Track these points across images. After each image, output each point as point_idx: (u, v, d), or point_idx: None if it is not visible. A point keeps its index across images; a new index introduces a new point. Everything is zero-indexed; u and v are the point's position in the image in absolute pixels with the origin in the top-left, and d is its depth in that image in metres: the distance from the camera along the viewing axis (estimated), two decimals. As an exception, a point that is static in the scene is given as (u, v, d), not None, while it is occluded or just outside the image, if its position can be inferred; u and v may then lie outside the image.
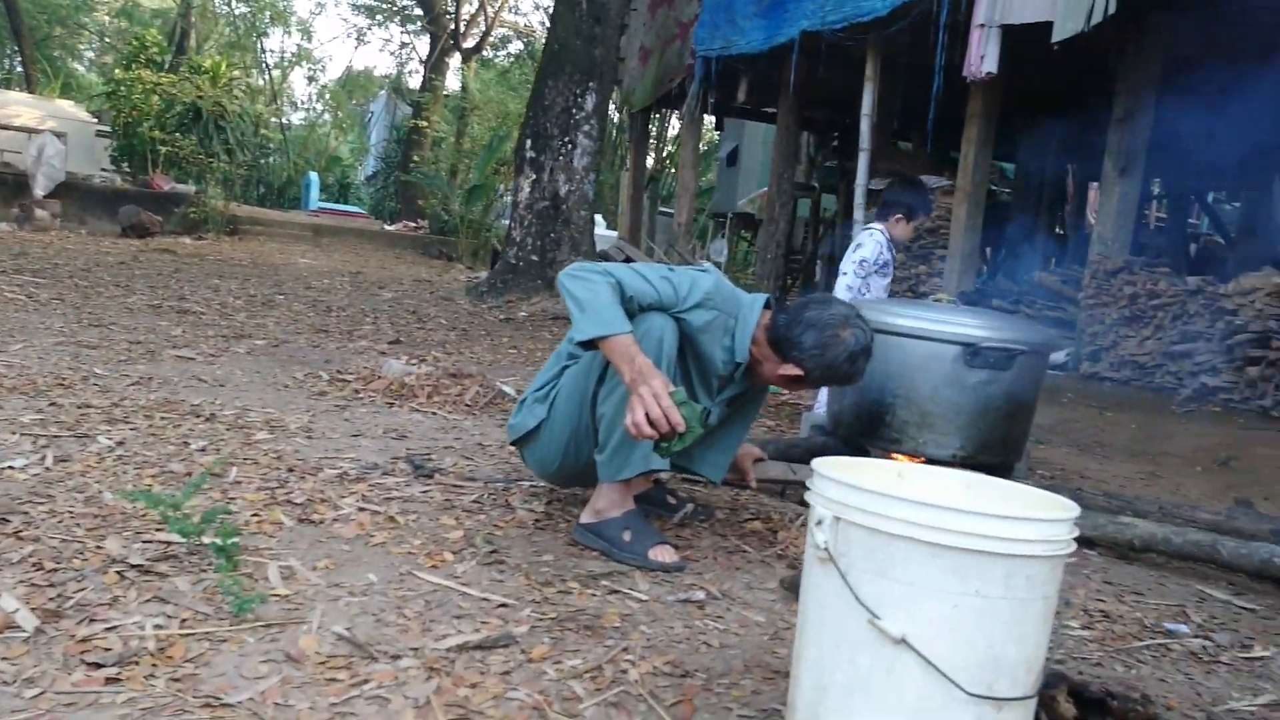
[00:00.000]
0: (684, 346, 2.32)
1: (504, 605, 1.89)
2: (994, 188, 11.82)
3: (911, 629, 1.20)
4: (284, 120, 29.08)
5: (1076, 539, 2.79)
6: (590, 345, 2.13)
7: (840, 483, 1.27)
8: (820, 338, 2.26)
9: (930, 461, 2.93)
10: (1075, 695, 1.59)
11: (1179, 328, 6.56)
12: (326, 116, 32.98)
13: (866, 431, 3.11)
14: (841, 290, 4.11)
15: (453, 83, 27.43)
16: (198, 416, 3.19)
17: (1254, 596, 2.56)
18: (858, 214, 7.41)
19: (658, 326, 2.21)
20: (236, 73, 17.39)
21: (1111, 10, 5.08)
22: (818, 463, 1.35)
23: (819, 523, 1.28)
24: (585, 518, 2.35)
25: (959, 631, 1.19)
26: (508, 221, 9.45)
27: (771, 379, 2.42)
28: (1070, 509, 1.27)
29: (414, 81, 28.25)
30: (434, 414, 3.69)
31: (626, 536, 2.26)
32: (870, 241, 4.14)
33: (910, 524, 1.19)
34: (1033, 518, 1.19)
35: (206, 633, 1.63)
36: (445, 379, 4.09)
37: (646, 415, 1.98)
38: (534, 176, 8.61)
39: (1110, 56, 7.35)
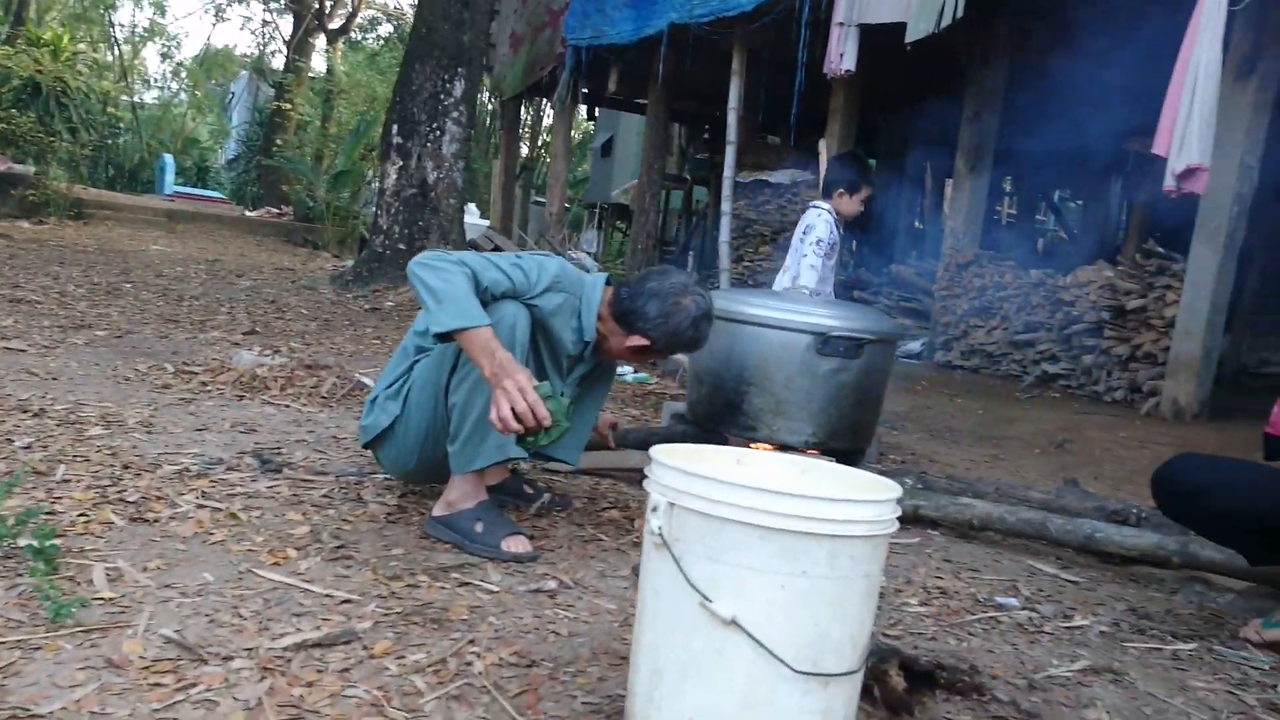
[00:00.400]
0: (536, 331, 2.33)
1: (348, 601, 1.85)
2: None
3: (742, 610, 1.23)
4: (136, 99, 27.56)
5: (920, 520, 2.91)
6: (446, 337, 2.11)
7: (675, 469, 1.29)
8: (663, 306, 2.32)
9: (784, 448, 3.01)
10: (906, 668, 1.67)
11: (1023, 318, 6.93)
12: (183, 96, 31.39)
13: (723, 419, 3.16)
14: (806, 271, 4.04)
15: (318, 64, 26.55)
16: (25, 412, 2.99)
17: (1078, 570, 2.73)
18: (725, 206, 7.53)
19: (510, 315, 2.20)
20: (82, 46, 16.38)
21: (960, 13, 5.30)
22: (655, 450, 1.37)
23: (654, 509, 1.30)
24: (438, 510, 2.32)
25: (787, 611, 1.23)
26: (375, 209, 9.21)
27: (619, 353, 2.45)
28: (891, 490, 1.33)
29: (277, 62, 27.19)
30: (287, 407, 3.57)
31: (478, 528, 2.24)
32: (820, 221, 4.08)
33: (741, 508, 1.22)
34: (854, 499, 1.24)
35: (19, 641, 1.53)
36: (300, 370, 3.96)
37: (512, 409, 1.98)
38: (401, 163, 8.41)
39: (961, 57, 7.68)
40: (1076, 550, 2.82)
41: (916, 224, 12.77)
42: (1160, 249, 6.12)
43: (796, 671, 1.24)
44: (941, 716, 1.66)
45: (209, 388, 3.71)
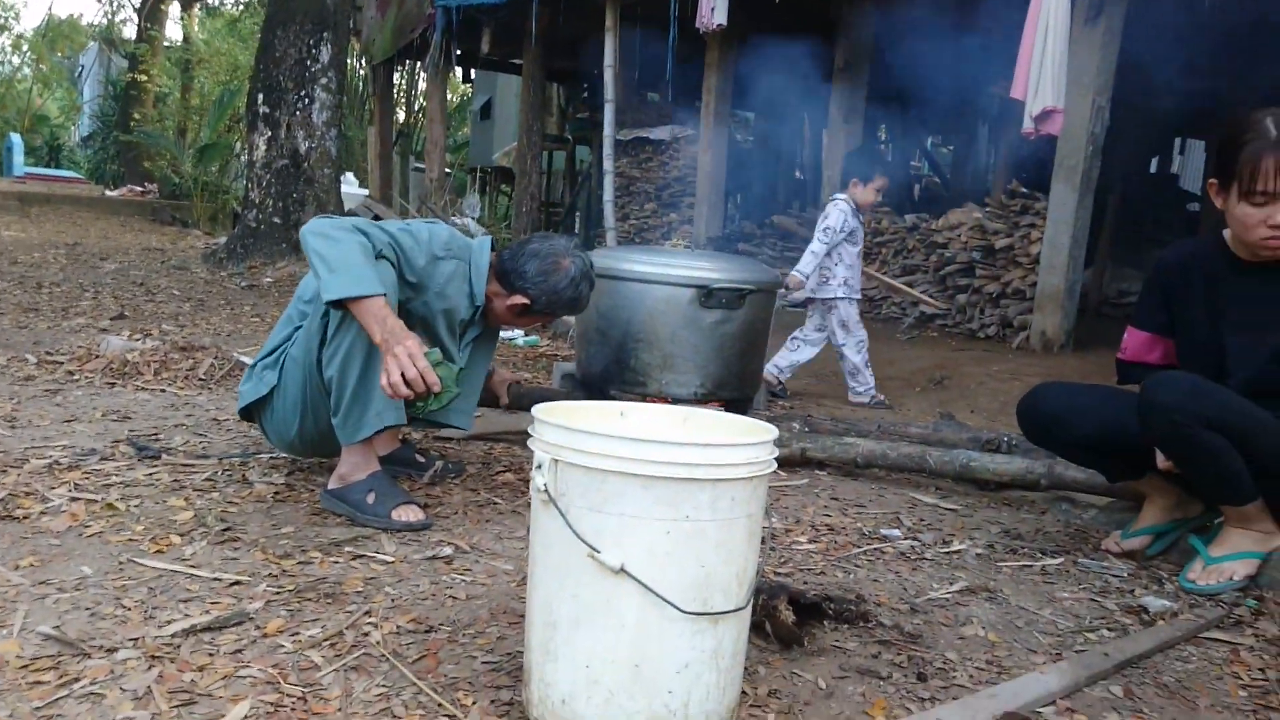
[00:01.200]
0: (433, 300, 2.32)
1: (238, 583, 1.81)
2: (738, 136, 12.33)
3: (629, 558, 1.26)
4: (-28, 75, 25.71)
5: (808, 462, 3.00)
6: (339, 304, 2.07)
7: (557, 426, 1.31)
8: (543, 265, 2.38)
9: (674, 401, 3.07)
10: (795, 603, 1.74)
11: (900, 262, 7.16)
12: (26, 71, 29.39)
13: (613, 377, 3.20)
14: (807, 256, 4.33)
15: (174, 32, 25.19)
16: None
17: (957, 498, 2.87)
18: (607, 165, 7.52)
19: (388, 281, 2.17)
20: (-94, 20, 15.12)
21: (826, -35, 5.39)
22: (537, 409, 1.38)
23: (539, 466, 1.32)
24: (331, 484, 2.30)
25: (672, 555, 1.27)
26: (245, 182, 8.87)
27: (502, 315, 2.49)
28: (768, 433, 1.37)
29: (128, 31, 25.68)
30: (163, 391, 3.44)
31: (370, 499, 2.23)
32: (834, 211, 4.34)
33: (621, 459, 1.24)
34: (732, 443, 1.28)
35: (-119, 651, 1.46)
36: (175, 353, 3.81)
37: (403, 376, 1.98)
38: (270, 134, 8.11)
39: (831, 8, 7.80)
40: (954, 480, 2.97)
41: (797, 174, 12.99)
42: (1024, 189, 6.39)
43: (685, 612, 1.28)
44: (830, 645, 1.74)
45: (76, 377, 3.54)
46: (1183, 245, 2.35)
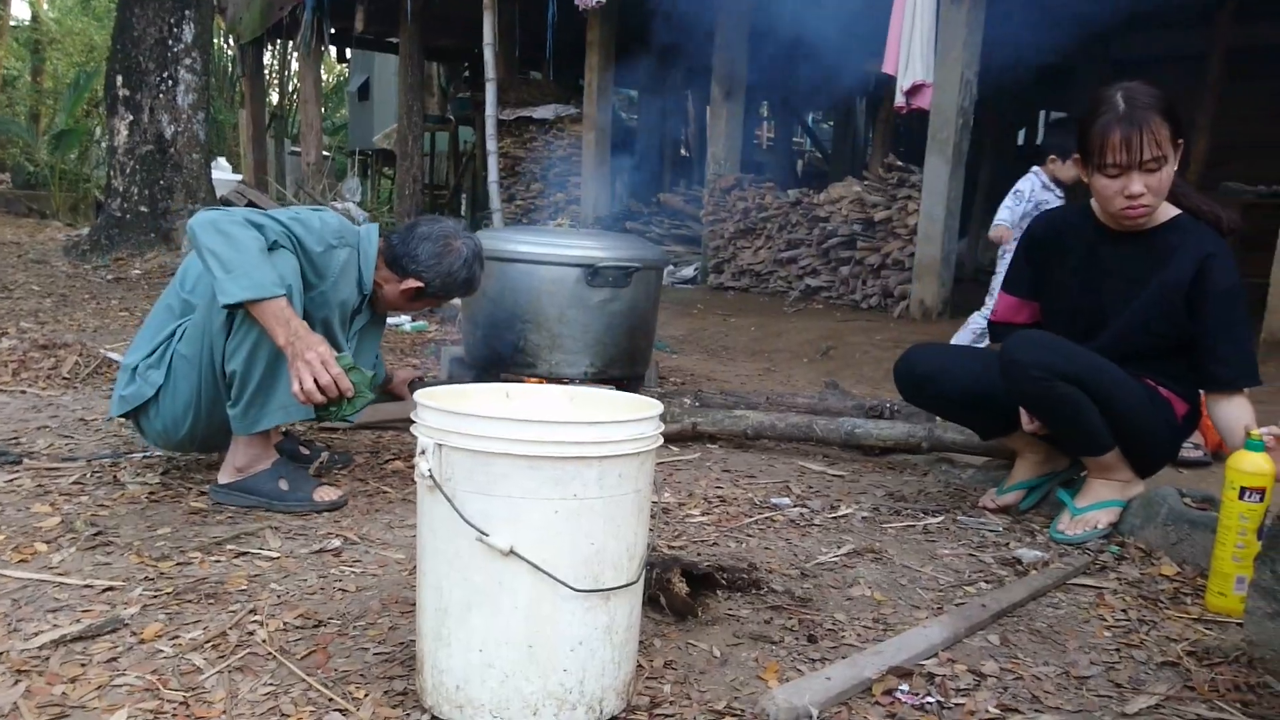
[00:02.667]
0: (329, 290, 2.24)
1: (111, 589, 1.73)
2: (622, 115, 12.32)
3: (518, 539, 1.26)
4: None
5: (699, 436, 3.03)
6: (235, 307, 1.99)
7: (440, 410, 1.29)
8: (435, 248, 2.37)
9: (564, 381, 3.06)
10: (688, 574, 1.76)
11: (785, 236, 7.29)
12: None
13: (502, 360, 3.17)
14: (1002, 211, 4.39)
15: (20, 11, 23.64)
16: None
17: (843, 464, 2.95)
18: (491, 145, 7.41)
19: (289, 274, 2.08)
20: None
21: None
22: (420, 393, 1.36)
23: (423, 451, 1.29)
24: (224, 478, 2.22)
25: (562, 534, 1.27)
26: (108, 169, 8.41)
27: (394, 301, 2.46)
28: (652, 408, 1.38)
29: (-29, 10, 23.97)
30: (23, 393, 3.25)
31: (283, 485, 2.20)
32: (1024, 182, 4.38)
33: (506, 440, 1.23)
34: (616, 420, 1.28)
35: None
36: (35, 352, 3.60)
37: (315, 382, 1.94)
38: (132, 118, 7.69)
39: (709, -15, 7.85)
40: (840, 447, 3.05)
41: (683, 152, 13.09)
42: (900, 163, 6.58)
43: (577, 590, 1.28)
44: (724, 614, 1.77)
45: (-75, 381, 3.32)
46: (1052, 213, 2.47)
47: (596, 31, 8.35)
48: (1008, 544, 2.25)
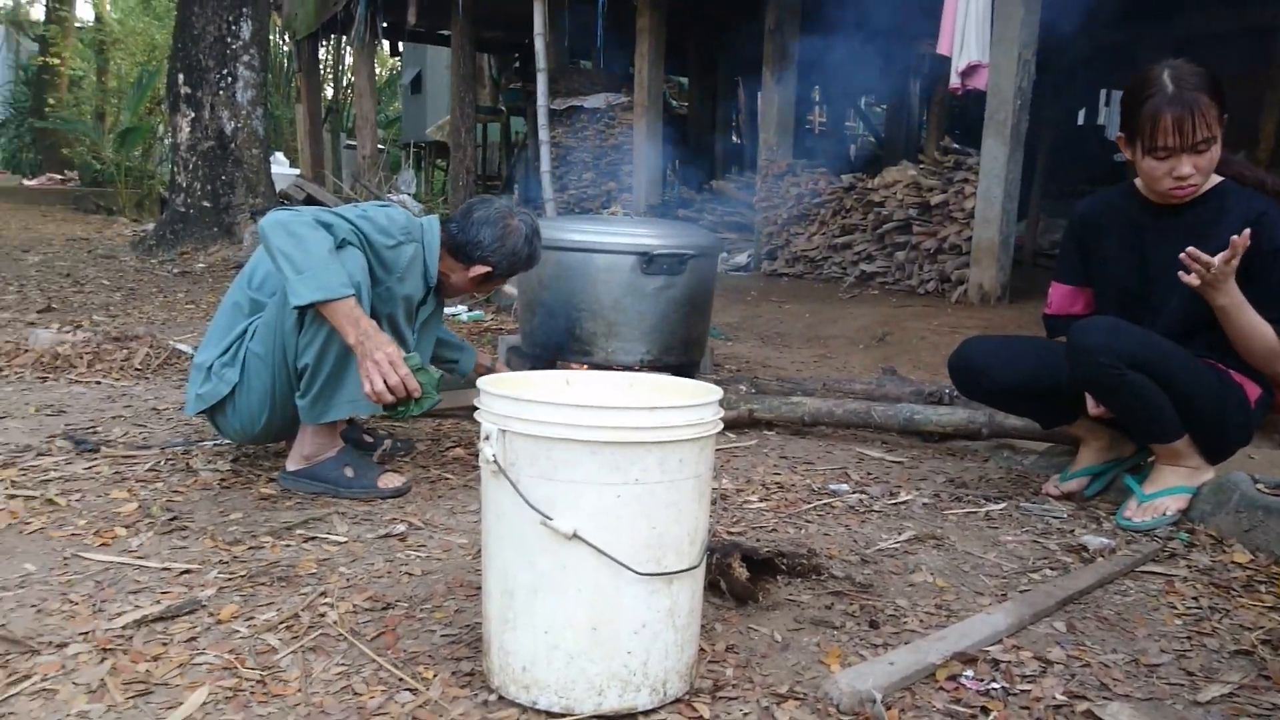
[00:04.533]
0: (395, 286, 2.28)
1: (187, 572, 1.79)
2: (673, 102, 12.29)
3: (581, 523, 1.27)
4: (-127, 64, 24.49)
5: (756, 423, 3.03)
6: (305, 307, 2.04)
7: (503, 397, 1.31)
8: (496, 231, 2.42)
9: (621, 369, 3.07)
10: (748, 560, 1.77)
11: (839, 222, 7.22)
12: (-69, 57, 28.09)
13: (558, 347, 3.19)
14: None
15: (85, 12, 24.29)
16: None
17: (902, 451, 2.93)
18: (543, 135, 7.45)
19: (357, 272, 2.12)
20: None
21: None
22: (482, 380, 1.38)
23: (487, 437, 1.32)
24: (293, 465, 2.28)
25: (624, 518, 1.28)
26: (171, 166, 8.61)
27: (462, 287, 2.51)
28: (711, 393, 1.39)
29: (36, 12, 24.67)
30: (98, 383, 3.36)
31: (349, 472, 2.26)
32: None
33: (567, 426, 1.25)
34: (676, 405, 1.29)
35: None
36: (108, 344, 3.72)
37: (385, 382, 1.99)
38: (193, 115, 7.88)
39: (760, -31, 7.79)
40: (899, 433, 3.03)
41: (735, 139, 13.02)
42: (956, 145, 6.47)
43: (639, 574, 1.29)
44: (784, 599, 1.78)
45: (5, 372, 3.44)
46: (1095, 197, 2.41)
47: (646, 19, 8.33)
48: (1073, 530, 2.22)
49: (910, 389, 3.28)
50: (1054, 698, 1.43)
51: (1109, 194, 2.38)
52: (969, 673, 1.49)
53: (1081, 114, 11.92)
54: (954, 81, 5.44)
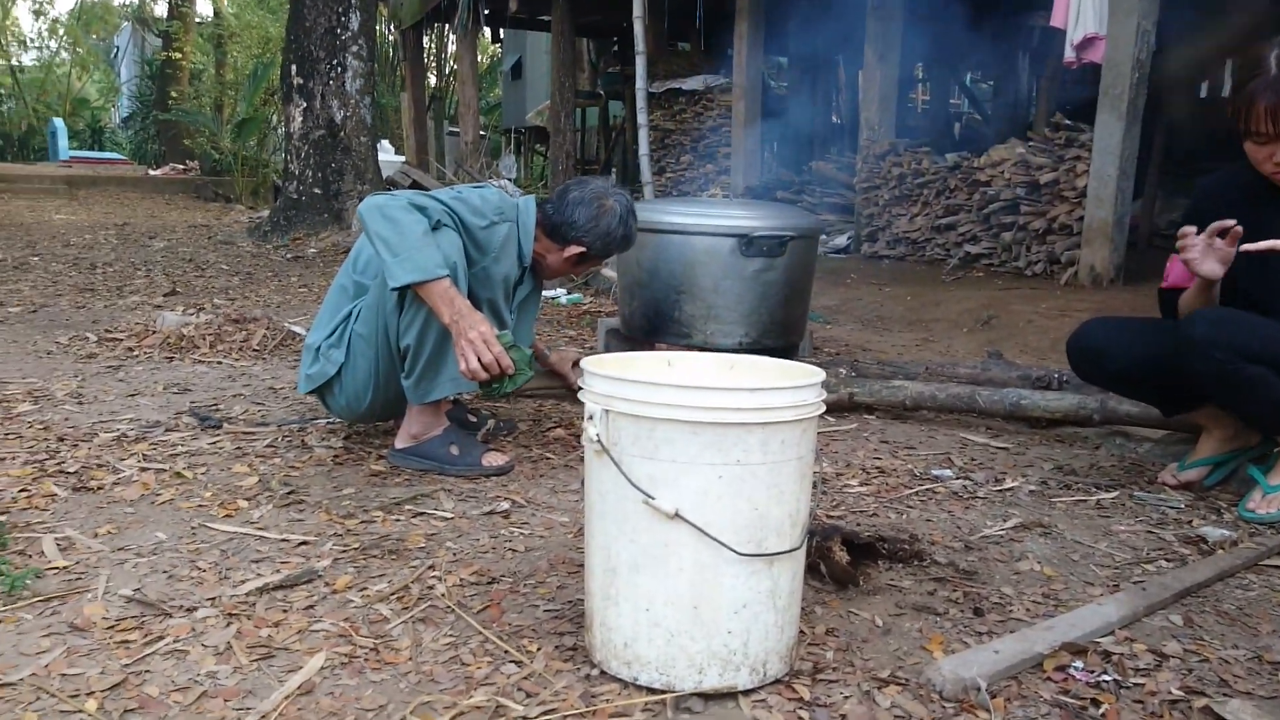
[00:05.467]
0: (491, 265, 2.33)
1: (305, 543, 1.87)
2: (771, 82, 12.15)
3: (683, 503, 1.29)
4: (14, 63, 26.06)
5: (856, 406, 3.00)
6: (403, 288, 2.11)
7: (607, 377, 1.33)
8: (590, 210, 2.42)
9: (719, 351, 3.07)
10: (849, 544, 1.76)
11: (942, 202, 7.04)
12: (64, 55, 29.72)
13: (657, 330, 3.21)
14: None
15: (204, 8, 25.32)
16: (-54, 396, 2.92)
17: (1007, 436, 2.86)
18: (641, 118, 7.45)
19: (452, 253, 2.18)
20: (-55, 11, 15.34)
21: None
22: (586, 361, 1.41)
23: (590, 417, 1.34)
24: (400, 443, 2.36)
25: (725, 498, 1.29)
26: (284, 155, 8.94)
27: (558, 268, 2.53)
28: (814, 375, 1.38)
29: (160, 9, 25.84)
30: (219, 363, 3.52)
31: (454, 451, 2.32)
32: None
33: (670, 406, 1.26)
34: (778, 387, 1.29)
35: (-23, 617, 1.53)
36: (228, 326, 3.89)
37: (479, 360, 2.04)
38: (305, 104, 8.16)
39: (863, -54, 7.62)
40: (1004, 418, 2.95)
41: (834, 119, 12.79)
42: (1068, 121, 6.23)
43: (740, 554, 1.30)
44: (885, 584, 1.76)
45: (135, 353, 3.64)
46: (1222, 172, 2.30)
47: (746, 0, 8.25)
48: (1191, 521, 2.13)
49: (1017, 373, 3.20)
50: (1170, 692, 1.39)
51: (1235, 170, 2.27)
52: (1078, 664, 1.45)
53: (1204, 87, 11.32)
54: (1068, 55, 5.23)
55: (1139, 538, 2.04)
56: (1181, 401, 2.34)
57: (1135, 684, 1.41)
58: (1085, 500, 2.27)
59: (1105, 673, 1.43)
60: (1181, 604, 1.70)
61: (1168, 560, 1.91)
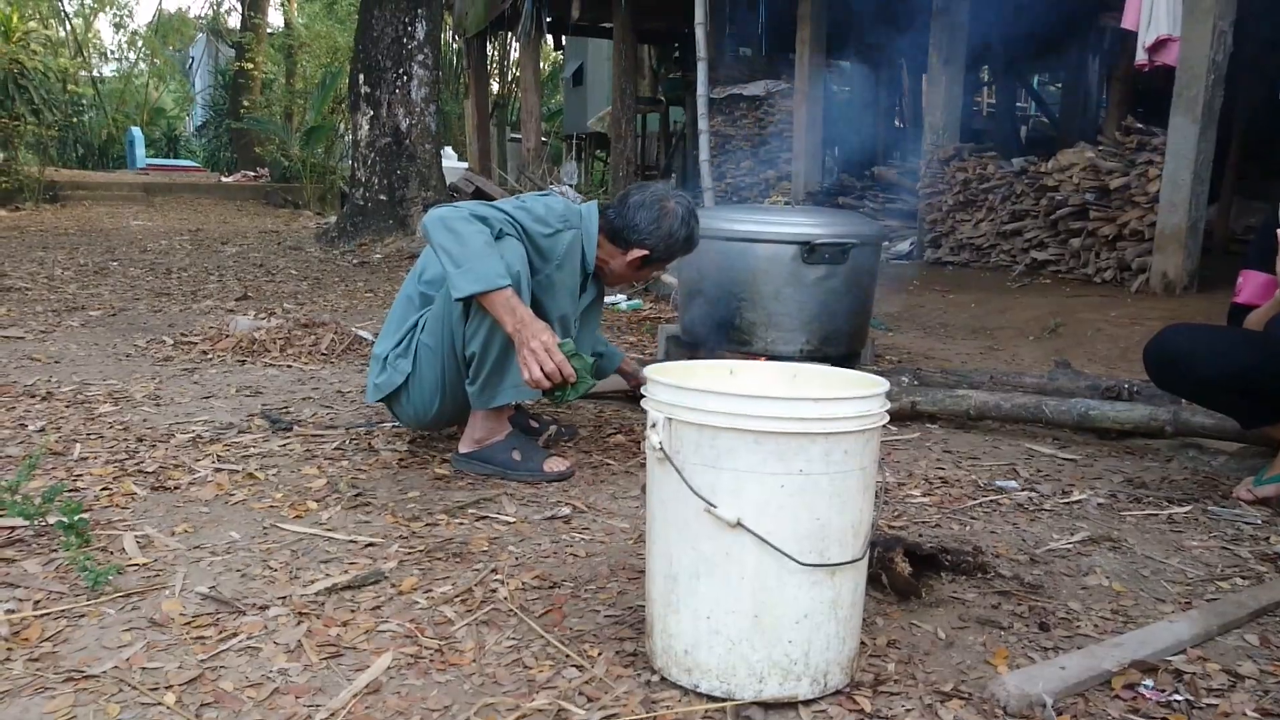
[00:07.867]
0: (554, 273, 2.35)
1: (371, 545, 1.92)
2: (833, 87, 12.06)
3: (745, 512, 1.29)
4: (95, 74, 26.97)
5: (918, 415, 2.97)
6: (467, 299, 2.15)
7: (669, 385, 1.34)
8: (652, 214, 2.42)
9: (780, 359, 3.06)
10: (911, 555, 1.75)
11: (1008, 208, 6.92)
12: (142, 66, 30.69)
13: (718, 337, 3.21)
14: None
15: (275, 19, 25.93)
16: (33, 396, 3.04)
17: (1075, 448, 2.80)
18: (702, 124, 7.45)
19: (515, 262, 2.20)
20: (32, 24, 15.96)
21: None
22: (650, 369, 1.42)
23: (653, 425, 1.35)
24: (464, 448, 2.40)
25: (787, 508, 1.29)
26: (351, 162, 9.13)
27: (621, 273, 2.53)
28: (878, 385, 1.38)
29: (233, 21, 26.54)
30: (289, 367, 3.62)
31: (516, 456, 2.35)
32: None
33: (733, 415, 1.27)
34: (842, 397, 1.29)
35: (63, 610, 1.60)
36: (298, 330, 3.99)
37: (542, 369, 2.06)
38: (371, 113, 8.32)
39: (928, -51, 7.54)
40: (1072, 429, 2.90)
41: (897, 123, 12.65)
42: (1140, 124, 6.09)
43: (802, 564, 1.30)
44: (948, 596, 1.74)
45: (209, 356, 3.75)
46: None
47: (808, 5, 8.21)
48: (1268, 538, 2.07)
49: (1085, 383, 3.13)
50: (1244, 714, 1.35)
51: None
52: (1148, 682, 1.42)
53: (1284, 88, 10.96)
54: (1140, 58, 5.11)
55: (1212, 554, 1.99)
56: (1263, 413, 2.27)
57: (1208, 704, 1.38)
58: (1156, 514, 2.22)
59: (1176, 692, 1.40)
60: (1258, 623, 1.65)
61: (1243, 578, 1.86)
